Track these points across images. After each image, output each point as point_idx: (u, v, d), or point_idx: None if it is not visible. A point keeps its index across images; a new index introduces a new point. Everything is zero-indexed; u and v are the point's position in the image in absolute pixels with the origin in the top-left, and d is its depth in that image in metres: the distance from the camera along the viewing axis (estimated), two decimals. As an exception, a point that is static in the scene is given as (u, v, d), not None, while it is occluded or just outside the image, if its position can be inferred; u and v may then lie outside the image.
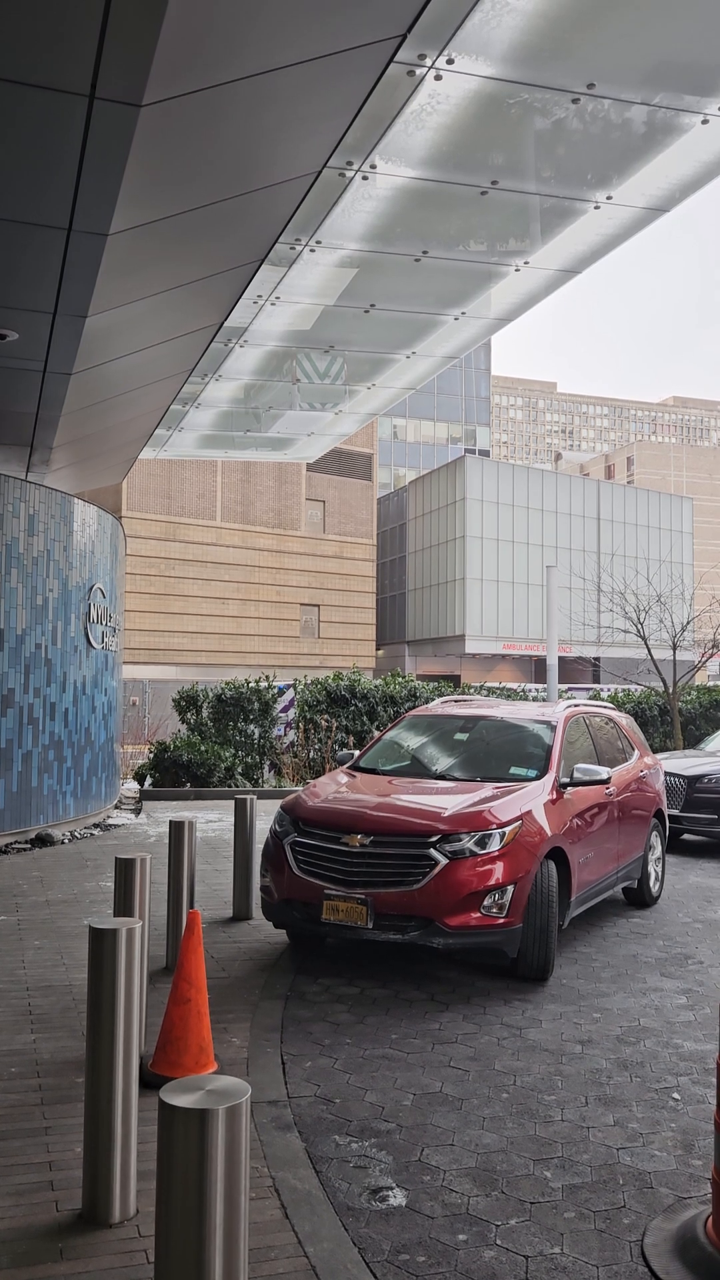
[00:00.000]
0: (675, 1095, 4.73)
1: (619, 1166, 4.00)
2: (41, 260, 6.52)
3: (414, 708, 17.79)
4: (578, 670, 51.80)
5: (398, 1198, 3.71)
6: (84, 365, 8.82)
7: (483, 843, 6.20)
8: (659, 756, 11.87)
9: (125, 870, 5.13)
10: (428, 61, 5.93)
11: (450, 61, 5.97)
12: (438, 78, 6.15)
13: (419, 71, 6.03)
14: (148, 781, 16.14)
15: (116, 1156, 3.39)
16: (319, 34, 4.87)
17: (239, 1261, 2.02)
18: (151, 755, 16.49)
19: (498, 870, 6.16)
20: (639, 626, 23.29)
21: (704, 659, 23.86)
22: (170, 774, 16.03)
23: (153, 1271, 3.09)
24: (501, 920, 6.12)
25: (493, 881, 6.13)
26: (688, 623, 24.26)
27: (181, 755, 16.00)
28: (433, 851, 6.15)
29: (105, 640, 13.02)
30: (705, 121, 6.90)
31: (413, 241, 8.66)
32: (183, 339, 9.63)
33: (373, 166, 7.22)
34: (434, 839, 6.19)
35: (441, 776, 7.43)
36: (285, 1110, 4.40)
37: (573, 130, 6.93)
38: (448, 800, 6.66)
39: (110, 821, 12.77)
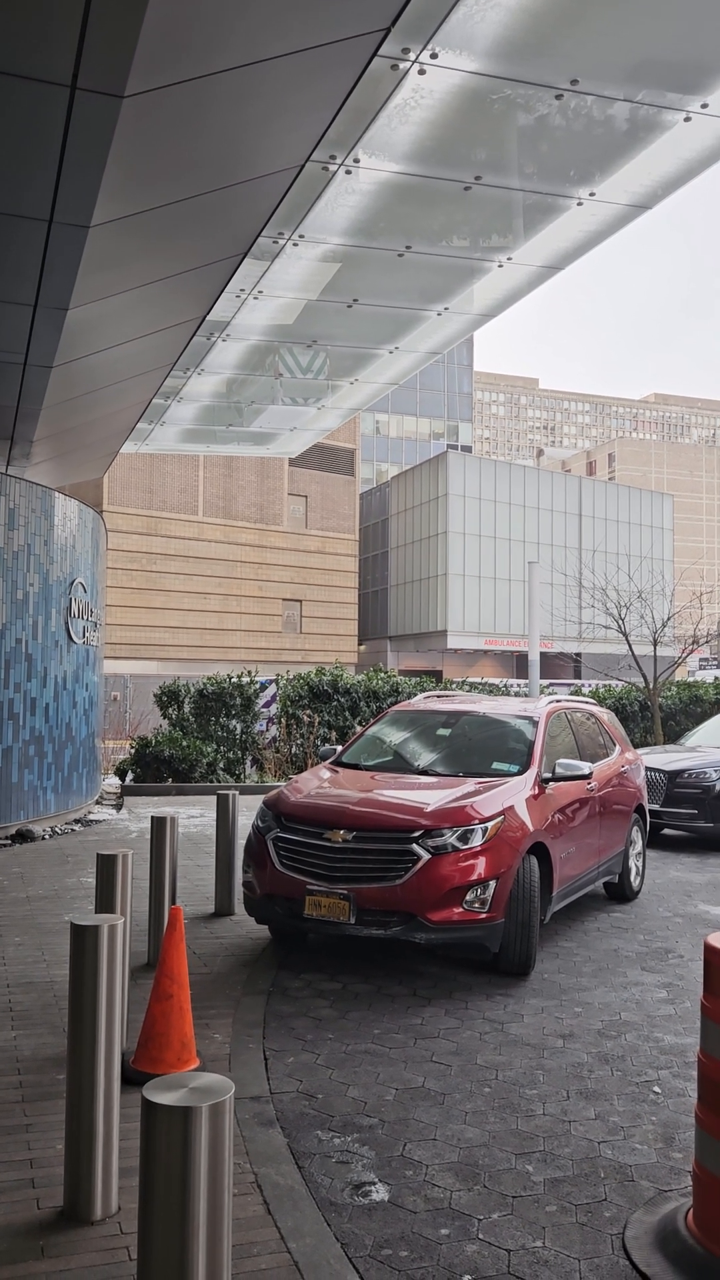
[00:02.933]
0: (656, 1089, 4.76)
1: (600, 1160, 4.02)
2: (22, 252, 6.47)
3: (396, 703, 17.79)
4: (559, 666, 51.97)
5: (380, 1193, 3.71)
6: (65, 358, 8.77)
7: (465, 838, 6.21)
8: (640, 752, 11.92)
9: (107, 866, 5.11)
10: (411, 56, 5.92)
11: (434, 56, 5.96)
12: (421, 72, 6.14)
13: (403, 66, 6.02)
14: (129, 777, 16.09)
15: (98, 1154, 3.38)
16: (303, 27, 4.85)
17: (222, 1259, 2.01)
18: (133, 751, 16.44)
19: (480, 865, 6.17)
20: (620, 622, 23.38)
21: (684, 655, 23.99)
22: (152, 769, 15.98)
23: (135, 1269, 3.09)
24: (484, 915, 6.14)
25: (475, 876, 6.14)
26: (669, 619, 24.37)
27: (163, 750, 15.95)
28: (415, 847, 6.15)
29: (86, 635, 12.96)
30: (688, 119, 6.92)
31: (396, 236, 8.66)
32: (165, 333, 9.59)
33: (356, 160, 7.20)
34: (416, 834, 6.20)
35: (424, 772, 7.43)
36: (268, 1106, 4.40)
37: (556, 126, 6.93)
38: (430, 795, 6.66)
39: (91, 817, 12.72)
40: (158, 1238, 1.99)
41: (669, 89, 6.55)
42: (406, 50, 5.84)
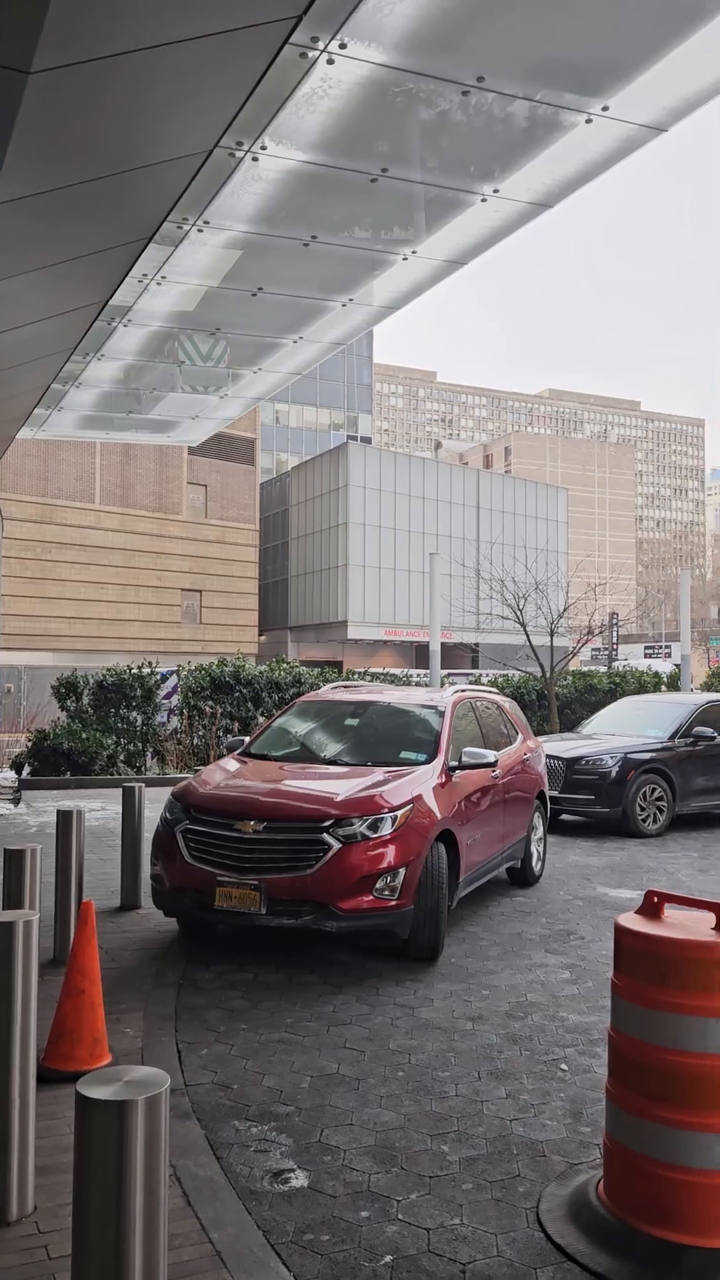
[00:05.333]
0: (563, 1066, 4.90)
1: (512, 1137, 4.12)
2: None
3: (300, 694, 17.78)
4: (458, 656, 52.66)
5: (299, 1179, 3.74)
6: (-40, 341, 8.50)
7: (375, 827, 6.27)
8: (539, 740, 12.19)
9: (15, 861, 5.00)
10: (320, 45, 5.90)
11: (343, 46, 5.95)
12: (330, 62, 6.12)
13: (311, 54, 5.99)
14: (26, 770, 15.72)
15: (14, 1153, 3.31)
16: (215, 9, 4.79)
17: (159, 1252, 2.00)
18: (30, 744, 16.06)
19: (389, 854, 6.24)
20: (518, 613, 23.83)
21: (579, 645, 24.60)
22: (50, 762, 15.65)
23: (53, 1268, 3.04)
24: (393, 903, 6.21)
25: (385, 865, 6.20)
26: (564, 610, 24.94)
27: (62, 743, 15.64)
28: (325, 836, 6.18)
29: (-18, 626, 12.60)
30: (589, 121, 7.06)
31: (301, 226, 8.62)
32: (65, 316, 9.37)
33: (263, 148, 7.14)
34: (327, 824, 6.23)
35: (333, 762, 7.47)
36: (183, 1098, 4.38)
37: (462, 122, 7.00)
38: (339, 785, 6.70)
39: (-12, 813, 12.39)
40: (93, 1233, 1.97)
41: (572, 90, 6.67)
42: (315, 39, 5.82)
